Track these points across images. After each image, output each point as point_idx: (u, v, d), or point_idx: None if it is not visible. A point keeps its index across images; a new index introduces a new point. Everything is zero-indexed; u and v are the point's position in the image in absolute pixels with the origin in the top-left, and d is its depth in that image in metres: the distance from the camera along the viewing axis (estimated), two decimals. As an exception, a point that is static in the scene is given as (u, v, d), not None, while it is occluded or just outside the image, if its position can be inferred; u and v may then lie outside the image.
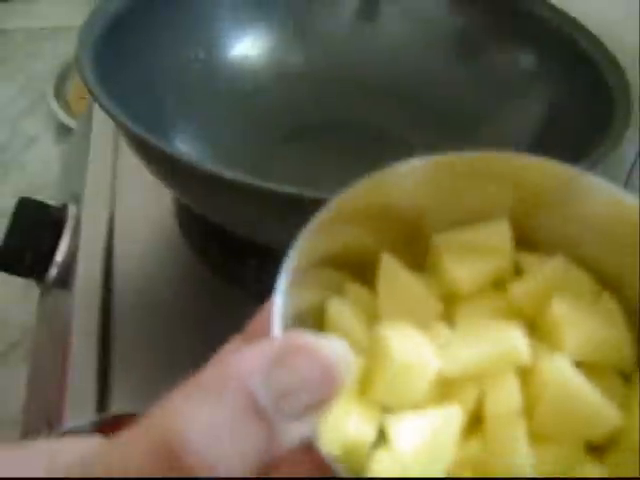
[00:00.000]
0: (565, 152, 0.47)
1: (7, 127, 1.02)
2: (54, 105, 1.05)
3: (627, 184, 0.60)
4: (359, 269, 0.29)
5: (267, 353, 0.22)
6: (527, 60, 0.58)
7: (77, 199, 0.60)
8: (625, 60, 0.54)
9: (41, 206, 0.59)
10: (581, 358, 0.26)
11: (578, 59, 0.53)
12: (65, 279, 0.56)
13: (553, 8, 0.58)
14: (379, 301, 0.29)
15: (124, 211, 0.58)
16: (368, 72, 0.61)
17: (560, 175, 0.29)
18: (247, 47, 0.61)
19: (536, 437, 0.25)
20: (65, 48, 1.09)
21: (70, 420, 0.41)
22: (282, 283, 0.26)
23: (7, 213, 0.56)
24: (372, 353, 0.26)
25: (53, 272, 0.57)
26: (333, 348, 0.22)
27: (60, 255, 0.57)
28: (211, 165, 0.42)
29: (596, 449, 0.26)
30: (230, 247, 0.53)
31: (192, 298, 0.53)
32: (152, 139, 0.43)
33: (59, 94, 1.08)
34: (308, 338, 0.22)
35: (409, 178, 0.29)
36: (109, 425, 0.39)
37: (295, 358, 0.22)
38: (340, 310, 0.28)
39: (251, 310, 0.52)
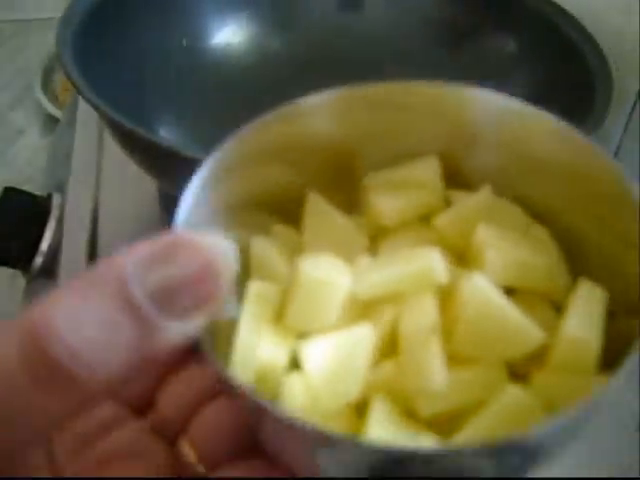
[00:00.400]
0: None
1: (-5, 119, 1.02)
2: (41, 97, 1.05)
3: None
4: (287, 211, 0.29)
5: (148, 249, 0.21)
6: (511, 45, 0.58)
7: (62, 189, 0.60)
8: (608, 45, 0.54)
9: (26, 196, 0.59)
10: (504, 283, 0.26)
11: (561, 44, 0.54)
12: (50, 268, 0.56)
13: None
14: (304, 238, 0.28)
15: (109, 200, 0.59)
16: (351, 59, 0.62)
17: (480, 101, 0.29)
18: (229, 34, 0.61)
19: (456, 359, 0.24)
20: (52, 40, 1.09)
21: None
22: (191, 188, 0.26)
23: (-7, 203, 0.56)
24: (289, 282, 0.26)
25: (38, 261, 0.57)
26: (216, 245, 0.21)
27: (45, 244, 0.57)
28: (193, 151, 0.42)
29: (521, 375, 0.25)
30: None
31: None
32: (133, 127, 0.43)
33: (46, 86, 1.08)
34: (191, 235, 0.21)
35: (321, 110, 0.28)
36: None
37: (175, 253, 0.21)
38: (264, 248, 0.28)
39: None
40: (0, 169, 0.92)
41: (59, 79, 1.10)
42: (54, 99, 1.06)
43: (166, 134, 0.56)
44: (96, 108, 0.46)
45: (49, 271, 0.56)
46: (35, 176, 0.89)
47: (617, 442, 0.45)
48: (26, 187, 0.60)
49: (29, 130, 1.01)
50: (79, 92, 0.47)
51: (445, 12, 0.60)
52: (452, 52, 0.60)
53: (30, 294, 0.61)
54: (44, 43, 1.14)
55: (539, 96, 0.55)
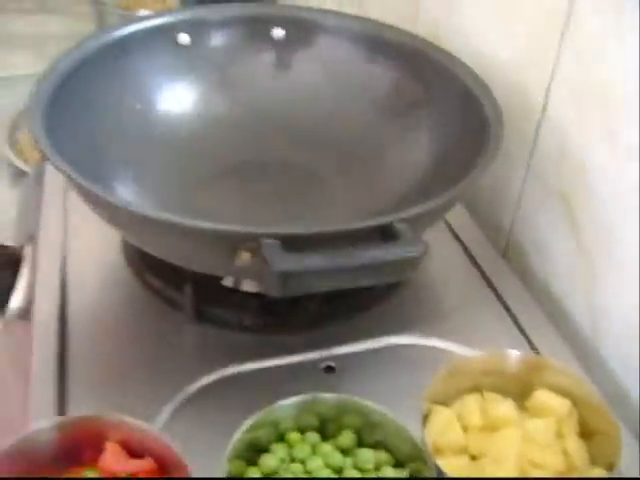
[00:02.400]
0: (455, 169, 0.57)
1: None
2: (8, 152, 1.11)
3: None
4: None
5: None
6: (421, 96, 0.69)
7: (33, 240, 0.68)
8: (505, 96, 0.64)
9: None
10: None
11: (463, 94, 0.63)
12: (25, 311, 0.64)
13: (443, 52, 0.68)
14: None
15: (76, 248, 0.66)
16: (286, 115, 0.71)
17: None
18: (178, 98, 0.70)
19: None
20: (16, 97, 1.16)
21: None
22: None
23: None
24: None
25: (14, 305, 0.64)
26: None
27: (20, 290, 0.64)
28: (143, 208, 0.50)
29: None
30: (168, 275, 0.61)
31: (137, 321, 0.61)
32: (91, 187, 0.51)
33: (12, 141, 1.15)
34: None
35: None
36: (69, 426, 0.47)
37: None
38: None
39: (188, 329, 0.60)
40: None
41: (25, 135, 1.17)
42: (20, 153, 1.13)
43: (123, 188, 0.64)
44: (61, 171, 0.53)
45: (24, 313, 0.64)
46: (4, 226, 0.95)
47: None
48: (-2, 237, 0.67)
49: (-2, 183, 1.07)
50: (46, 157, 0.54)
51: (365, 70, 0.70)
52: (373, 105, 0.70)
53: (6, 334, 0.68)
54: (8, 100, 1.20)
55: (446, 140, 0.65)
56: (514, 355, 0.53)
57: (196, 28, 0.72)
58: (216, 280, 0.62)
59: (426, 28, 0.78)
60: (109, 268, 0.66)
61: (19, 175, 1.07)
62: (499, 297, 0.65)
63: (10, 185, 1.06)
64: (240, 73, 0.72)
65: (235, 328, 0.59)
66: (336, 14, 0.73)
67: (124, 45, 0.68)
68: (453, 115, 0.65)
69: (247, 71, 0.72)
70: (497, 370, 0.53)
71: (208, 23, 0.73)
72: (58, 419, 0.48)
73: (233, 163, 0.69)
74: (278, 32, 0.74)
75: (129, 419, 0.47)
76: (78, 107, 0.63)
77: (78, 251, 0.67)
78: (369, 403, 0.49)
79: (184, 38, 0.72)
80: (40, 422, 0.47)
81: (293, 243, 0.43)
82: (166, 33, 0.71)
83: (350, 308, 0.61)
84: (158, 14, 0.72)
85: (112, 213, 0.53)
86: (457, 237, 0.71)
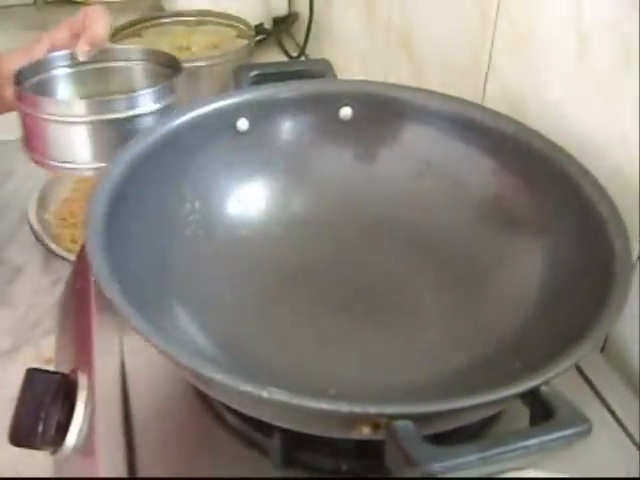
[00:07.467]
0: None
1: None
2: (38, 228, 1.04)
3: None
4: None
5: None
6: (527, 206, 0.62)
7: (87, 364, 0.63)
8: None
9: (49, 375, 0.62)
10: None
11: (583, 208, 0.56)
12: (85, 447, 0.59)
13: (561, 151, 0.61)
14: None
15: (135, 372, 0.61)
16: (367, 214, 0.66)
17: None
18: (244, 198, 0.66)
19: None
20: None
21: None
22: None
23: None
24: None
25: (70, 441, 0.59)
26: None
27: (76, 425, 0.60)
28: (210, 367, 0.45)
29: None
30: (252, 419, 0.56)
31: (214, 462, 0.56)
32: (155, 338, 0.47)
33: (41, 213, 1.08)
34: None
35: None
36: None
37: None
38: None
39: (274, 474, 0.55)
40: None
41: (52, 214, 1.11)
42: (48, 230, 1.07)
43: (181, 305, 0.60)
44: (113, 303, 0.49)
45: (83, 450, 0.59)
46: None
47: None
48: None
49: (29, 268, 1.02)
50: (99, 281, 0.50)
51: (456, 166, 0.65)
52: (467, 205, 0.64)
53: (63, 473, 0.63)
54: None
55: (561, 257, 0.58)
56: None
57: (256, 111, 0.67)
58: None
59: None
60: (177, 395, 0.60)
61: (51, 255, 1.02)
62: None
63: (43, 270, 1.01)
64: (315, 167, 0.67)
65: (330, 473, 0.54)
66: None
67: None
68: (568, 231, 0.59)
69: (322, 165, 0.67)
70: None
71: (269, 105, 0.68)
72: None
73: (305, 270, 0.64)
74: (347, 111, 0.69)
75: None
76: (136, 214, 0.59)
77: (138, 377, 0.61)
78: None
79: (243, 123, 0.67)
80: None
81: (425, 421, 0.39)
82: (224, 119, 0.66)
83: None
84: (214, 98, 0.67)
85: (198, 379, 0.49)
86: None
